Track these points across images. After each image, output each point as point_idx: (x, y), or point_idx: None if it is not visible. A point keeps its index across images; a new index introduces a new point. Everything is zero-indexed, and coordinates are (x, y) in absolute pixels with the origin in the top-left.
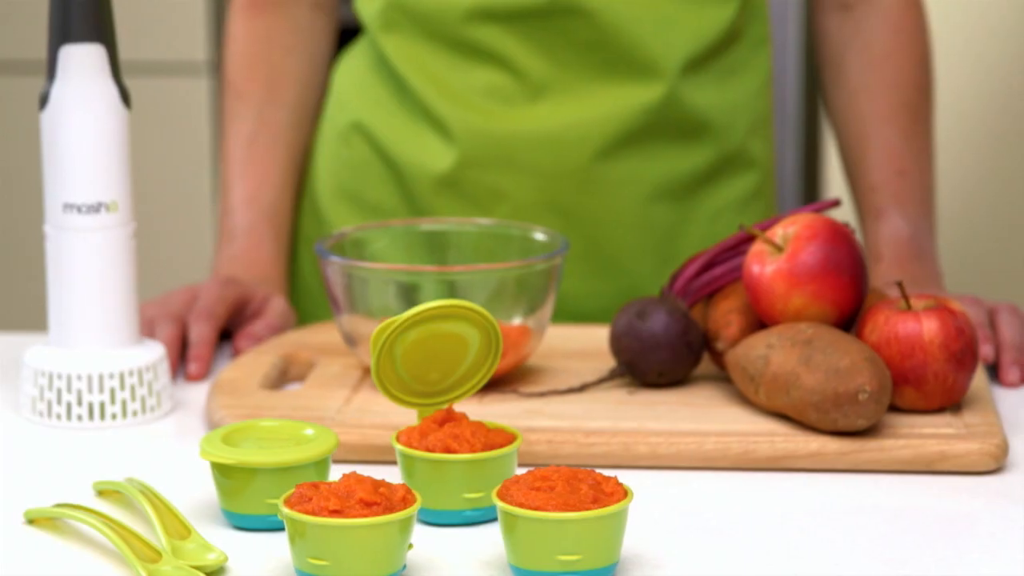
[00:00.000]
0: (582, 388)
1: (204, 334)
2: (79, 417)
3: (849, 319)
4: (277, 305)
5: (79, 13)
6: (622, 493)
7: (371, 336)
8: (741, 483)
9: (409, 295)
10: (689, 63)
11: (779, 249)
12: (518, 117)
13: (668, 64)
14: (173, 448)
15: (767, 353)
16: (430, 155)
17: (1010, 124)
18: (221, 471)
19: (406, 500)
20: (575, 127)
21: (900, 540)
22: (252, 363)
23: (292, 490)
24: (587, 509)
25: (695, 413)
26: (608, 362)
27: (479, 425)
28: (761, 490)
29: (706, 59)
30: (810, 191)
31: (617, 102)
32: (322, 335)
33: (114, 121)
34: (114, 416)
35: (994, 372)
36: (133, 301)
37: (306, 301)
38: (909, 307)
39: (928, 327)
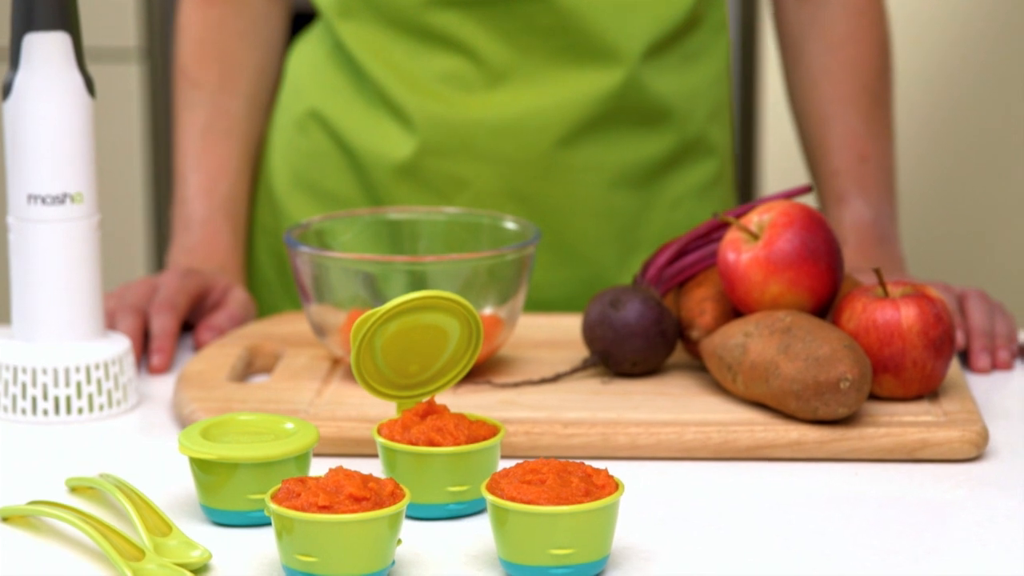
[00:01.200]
0: (556, 378)
1: (166, 326)
2: (44, 412)
3: (825, 306)
4: (238, 296)
5: (44, 0)
6: (613, 485)
7: (351, 329)
8: (722, 473)
9: (379, 285)
10: (650, 48)
11: (754, 237)
12: (478, 104)
13: (629, 49)
14: (143, 443)
15: (745, 342)
16: (389, 143)
17: (967, 109)
18: (201, 466)
19: (395, 495)
20: (536, 114)
21: (888, 529)
22: (217, 355)
23: (278, 485)
24: (579, 502)
25: (672, 403)
26: (578, 351)
27: (461, 417)
28: (743, 480)
29: (667, 44)
30: (746, 177)
31: (578, 88)
32: (286, 326)
33: (79, 111)
34: (80, 410)
35: (963, 358)
36: (98, 293)
37: (263, 292)
38: (886, 294)
39: (906, 314)
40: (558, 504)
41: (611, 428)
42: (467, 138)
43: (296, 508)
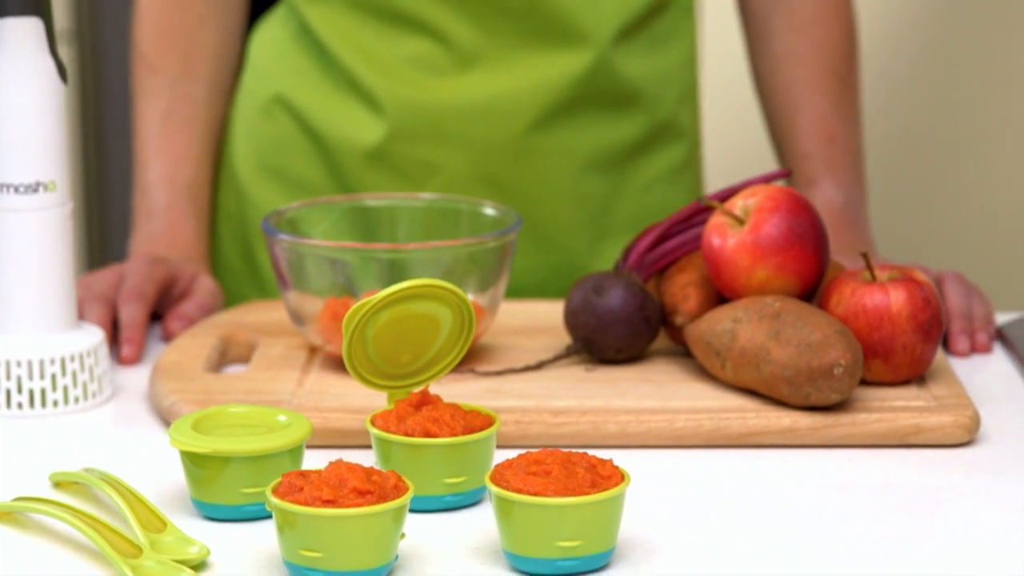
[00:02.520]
0: (539, 366)
1: (135, 316)
2: (19, 405)
3: (811, 291)
4: (206, 284)
5: None
6: (619, 476)
7: (343, 319)
8: (714, 461)
9: (360, 273)
10: (620, 31)
11: (740, 222)
12: (449, 88)
13: (599, 32)
14: (122, 436)
15: (733, 327)
16: (358, 128)
17: (930, 90)
18: (193, 460)
19: (398, 487)
20: (507, 97)
21: (887, 516)
22: (191, 345)
23: (278, 479)
24: (586, 493)
25: (659, 390)
26: (557, 337)
27: (456, 408)
28: (736, 468)
29: (636, 27)
30: None
31: (549, 71)
32: (257, 314)
33: (52, 97)
34: (55, 403)
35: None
36: (72, 283)
37: (228, 279)
38: (874, 278)
39: (896, 298)
40: (565, 495)
41: (601, 416)
42: (438, 122)
43: (300, 502)
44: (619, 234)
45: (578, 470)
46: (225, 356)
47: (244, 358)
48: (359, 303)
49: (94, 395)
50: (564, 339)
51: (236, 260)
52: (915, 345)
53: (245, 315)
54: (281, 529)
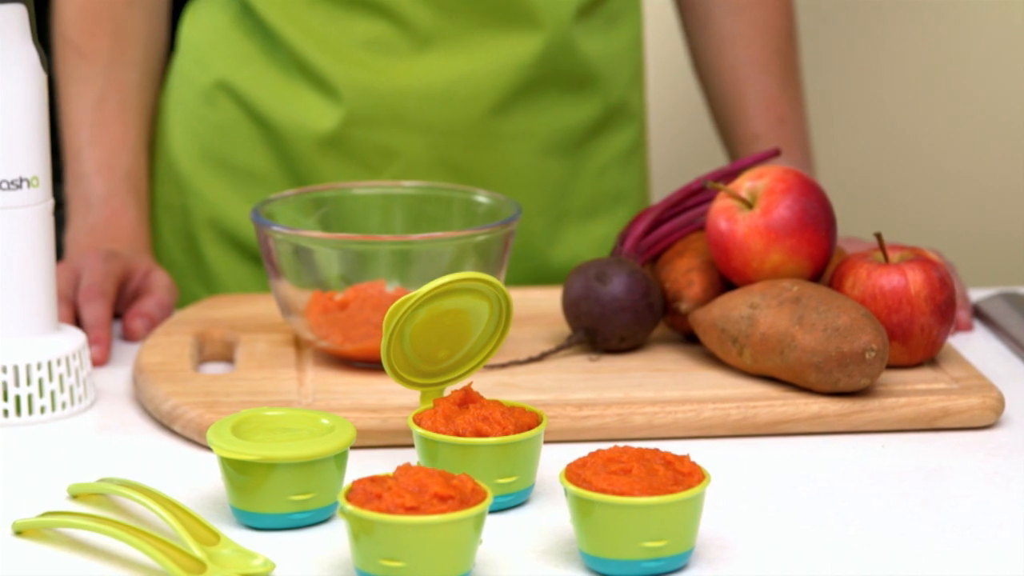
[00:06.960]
0: (542, 357)
1: (100, 315)
2: (5, 412)
3: (820, 273)
4: (162, 280)
5: None
6: (700, 473)
7: (384, 318)
8: (746, 450)
9: (361, 265)
10: (579, 9)
11: (748, 204)
12: (406, 71)
13: (558, 10)
14: (120, 441)
15: (752, 313)
16: (311, 114)
17: (895, 65)
18: (236, 467)
19: (476, 492)
20: (466, 80)
21: (941, 501)
22: (169, 344)
23: (349, 486)
24: (670, 492)
25: (675, 379)
26: (545, 326)
27: (502, 405)
28: (771, 456)
29: (594, 4)
30: None
31: (508, 52)
32: (224, 310)
33: (36, 89)
34: (43, 409)
35: None
36: (53, 283)
37: (171, 274)
38: (886, 259)
39: (914, 280)
40: (650, 494)
41: (626, 408)
42: (396, 107)
43: (381, 510)
44: (577, 218)
45: (657, 467)
46: (202, 354)
47: (222, 356)
48: (399, 300)
49: (80, 399)
50: (552, 326)
51: (178, 254)
52: (932, 327)
53: (212, 311)
54: (357, 538)
